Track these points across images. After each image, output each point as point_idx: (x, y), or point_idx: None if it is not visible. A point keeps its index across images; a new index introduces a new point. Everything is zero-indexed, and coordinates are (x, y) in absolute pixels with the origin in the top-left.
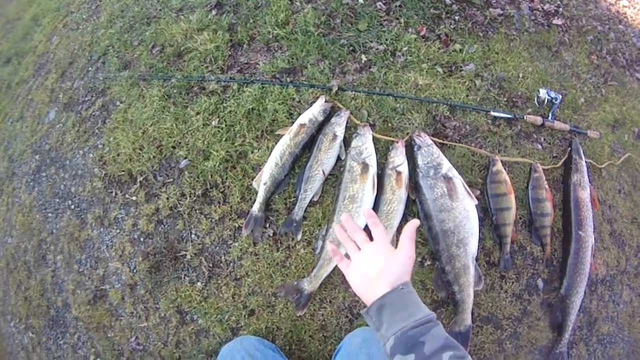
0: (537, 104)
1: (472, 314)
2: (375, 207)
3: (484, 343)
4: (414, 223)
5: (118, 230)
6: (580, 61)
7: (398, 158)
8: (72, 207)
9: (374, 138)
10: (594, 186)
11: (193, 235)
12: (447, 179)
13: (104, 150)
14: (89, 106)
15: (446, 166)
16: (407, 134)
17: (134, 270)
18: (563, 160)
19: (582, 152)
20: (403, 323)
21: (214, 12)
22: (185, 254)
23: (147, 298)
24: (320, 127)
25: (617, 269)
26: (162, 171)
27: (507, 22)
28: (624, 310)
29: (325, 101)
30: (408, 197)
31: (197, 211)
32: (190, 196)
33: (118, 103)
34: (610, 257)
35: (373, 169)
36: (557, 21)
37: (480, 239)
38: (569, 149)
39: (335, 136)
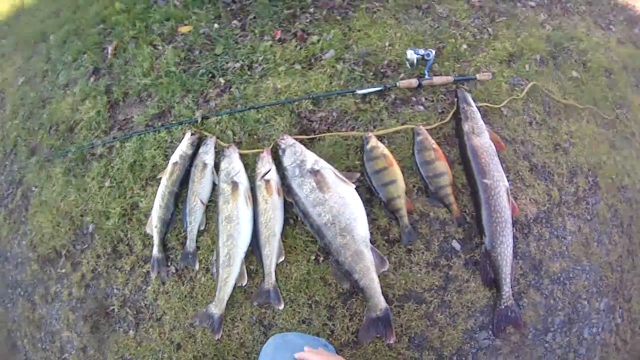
0: (409, 67)
1: (386, 296)
2: (255, 219)
3: (410, 321)
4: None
5: (60, 303)
6: (457, 9)
7: (264, 167)
8: (22, 293)
9: (241, 155)
10: (497, 127)
11: (115, 290)
12: (314, 173)
13: (32, 235)
14: (12, 198)
15: (311, 160)
16: (274, 140)
17: (81, 335)
18: (452, 112)
19: (470, 99)
20: None
21: (92, 79)
22: (113, 308)
23: (97, 356)
24: (192, 160)
25: (550, 202)
26: (78, 240)
27: None
28: (574, 240)
29: (192, 134)
30: (285, 201)
31: (112, 267)
32: (103, 256)
33: (33, 188)
34: (538, 193)
35: (243, 186)
36: None
37: (373, 220)
38: (456, 99)
39: (205, 165)
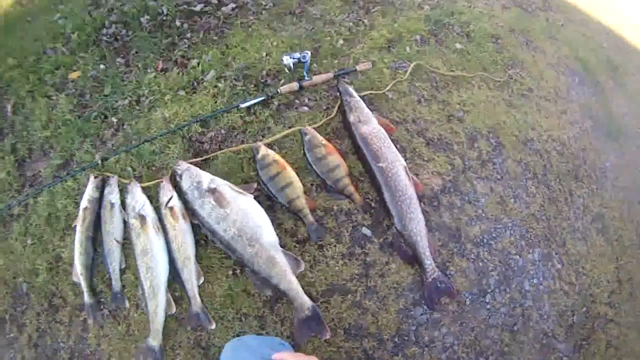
0: (288, 72)
1: (310, 294)
2: (168, 247)
3: (340, 313)
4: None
5: None
6: (330, 7)
7: (166, 195)
8: None
9: (143, 188)
10: (385, 112)
11: (61, 344)
12: (212, 191)
13: None
14: None
15: (206, 180)
16: (171, 168)
17: None
18: (337, 106)
19: (351, 90)
20: None
21: None
22: None
23: None
24: (100, 202)
25: (454, 171)
26: (17, 302)
27: (241, 12)
28: (489, 201)
29: (94, 177)
30: (193, 223)
31: (53, 322)
32: (42, 313)
33: None
34: (439, 165)
35: (150, 217)
36: None
37: (279, 224)
38: (339, 93)
39: (112, 205)
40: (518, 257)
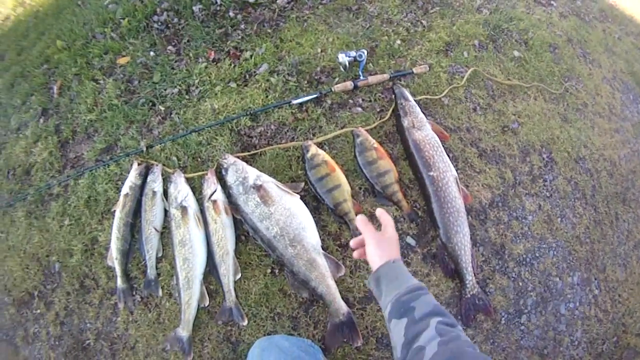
0: (343, 70)
1: (347, 300)
2: (208, 240)
3: (375, 322)
4: (380, 209)
5: (40, 343)
6: (388, 6)
7: (210, 188)
8: (4, 337)
9: (187, 179)
10: (440, 118)
11: (88, 325)
12: (257, 188)
13: (5, 279)
14: None
15: (253, 176)
16: (217, 160)
17: None
18: (391, 109)
19: (407, 93)
20: (396, 290)
21: (42, 120)
22: (89, 342)
23: None
24: (142, 189)
25: (504, 185)
26: (47, 280)
27: (297, 6)
28: (536, 219)
29: (138, 164)
30: (235, 218)
31: (82, 303)
32: (72, 293)
33: (0, 234)
34: (490, 178)
35: (192, 209)
36: None
37: (323, 227)
38: (394, 96)
39: (154, 193)
40: (558, 279)
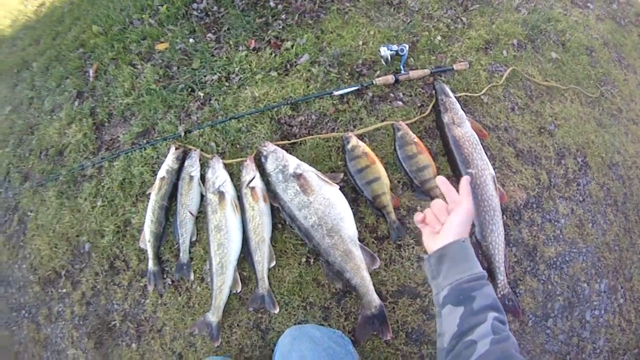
0: (384, 63)
1: (380, 293)
2: (244, 226)
3: (406, 316)
4: (466, 178)
5: (63, 322)
6: (429, 1)
7: (249, 175)
8: (27, 315)
9: (225, 165)
10: (478, 116)
11: (115, 306)
12: (297, 176)
13: (31, 258)
14: (9, 224)
15: (293, 165)
16: (256, 148)
17: (86, 351)
18: (431, 105)
19: (447, 90)
20: (459, 275)
21: (76, 103)
22: (115, 323)
23: None
24: (179, 173)
25: (539, 187)
26: (76, 259)
27: None
28: (568, 223)
29: (176, 148)
30: (272, 206)
31: (111, 284)
32: (101, 273)
33: (29, 213)
34: (526, 179)
35: (229, 195)
36: None
37: (360, 219)
38: (434, 91)
39: (191, 177)
40: (586, 285)
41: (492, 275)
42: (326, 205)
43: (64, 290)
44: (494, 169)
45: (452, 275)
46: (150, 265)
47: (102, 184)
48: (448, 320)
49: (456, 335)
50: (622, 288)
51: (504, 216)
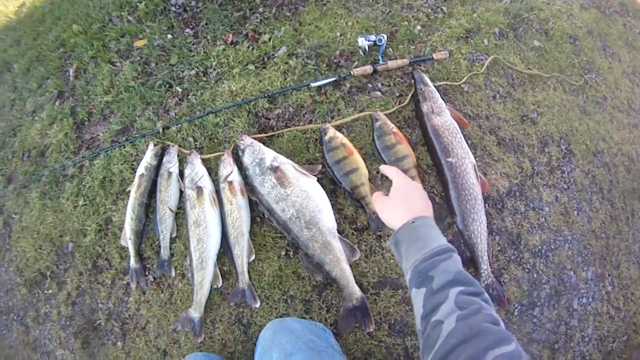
0: (362, 54)
1: (361, 284)
2: (222, 221)
3: (388, 308)
4: (384, 166)
5: (50, 323)
6: None
7: (226, 169)
8: (15, 317)
9: (204, 160)
10: (459, 105)
11: (99, 305)
12: (274, 169)
13: (17, 260)
14: None
15: (269, 158)
16: (234, 142)
17: (74, 351)
18: (410, 95)
19: (427, 79)
20: (415, 257)
21: (57, 103)
22: (100, 322)
23: None
24: (158, 170)
25: (522, 175)
26: (60, 260)
27: None
28: (553, 211)
29: (154, 145)
30: (250, 200)
31: (95, 282)
32: (85, 272)
33: (13, 215)
34: (508, 167)
35: (207, 190)
36: None
37: (339, 210)
38: (413, 81)
39: (170, 173)
40: (572, 273)
41: (475, 265)
42: (303, 198)
43: (50, 291)
44: (475, 158)
45: (411, 258)
46: (132, 262)
47: (84, 183)
48: (415, 302)
49: (423, 316)
50: (609, 275)
51: (487, 205)
